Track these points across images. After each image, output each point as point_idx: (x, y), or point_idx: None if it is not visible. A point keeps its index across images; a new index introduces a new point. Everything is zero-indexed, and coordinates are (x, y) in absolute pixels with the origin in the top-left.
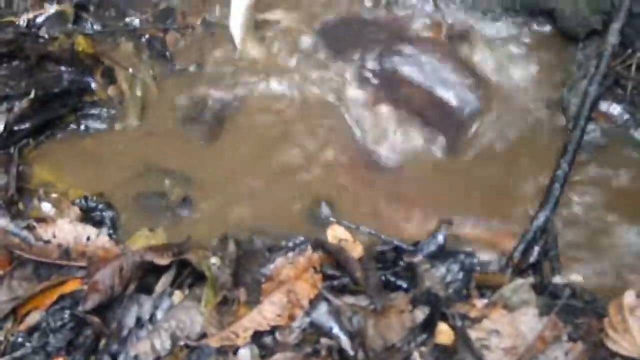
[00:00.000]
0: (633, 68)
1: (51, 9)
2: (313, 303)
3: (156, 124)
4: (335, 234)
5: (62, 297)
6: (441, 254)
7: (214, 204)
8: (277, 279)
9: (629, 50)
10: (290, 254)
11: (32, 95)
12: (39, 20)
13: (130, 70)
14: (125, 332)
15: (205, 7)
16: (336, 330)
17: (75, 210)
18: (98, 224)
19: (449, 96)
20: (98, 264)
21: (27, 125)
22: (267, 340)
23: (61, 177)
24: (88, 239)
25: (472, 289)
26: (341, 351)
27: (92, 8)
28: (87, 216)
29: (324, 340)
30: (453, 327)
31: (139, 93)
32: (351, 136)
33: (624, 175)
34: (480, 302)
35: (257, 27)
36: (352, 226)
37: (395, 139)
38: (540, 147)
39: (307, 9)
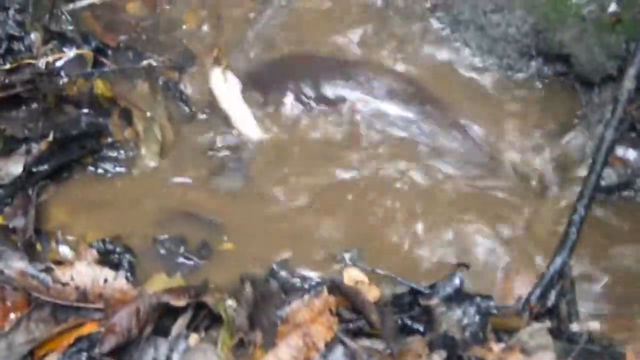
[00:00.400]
0: None
1: (70, 53)
2: (329, 346)
3: (173, 166)
4: (351, 276)
5: (79, 340)
6: (458, 297)
7: (233, 248)
8: (293, 322)
9: None
10: (306, 297)
11: (50, 137)
12: (59, 63)
13: (148, 112)
14: None
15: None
16: None
17: (93, 253)
18: (115, 266)
19: None
20: (115, 307)
21: (45, 167)
22: None
23: (79, 219)
24: (105, 281)
25: (488, 333)
26: None
27: (110, 52)
28: (105, 259)
29: None
30: None
31: (155, 135)
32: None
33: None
34: (497, 346)
35: None
36: (367, 268)
37: None
38: (555, 191)
39: None
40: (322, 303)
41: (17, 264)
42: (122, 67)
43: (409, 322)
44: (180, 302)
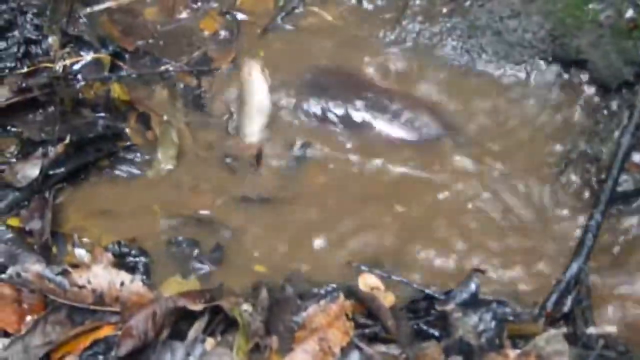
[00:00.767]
0: None
1: (88, 57)
2: (345, 351)
3: (190, 171)
4: (367, 282)
5: (95, 343)
6: (473, 303)
7: (247, 252)
8: (309, 327)
9: None
10: (322, 302)
11: (67, 140)
12: (76, 67)
13: (165, 117)
14: None
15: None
16: None
17: (108, 256)
18: (131, 269)
19: None
20: (132, 310)
21: (61, 170)
22: None
23: (95, 222)
24: (122, 284)
25: (504, 339)
26: None
27: (127, 56)
28: (120, 262)
29: None
30: None
31: (172, 139)
32: None
33: None
34: (513, 352)
35: None
36: (383, 274)
37: None
38: (572, 197)
39: None
40: (338, 308)
41: (34, 267)
42: (139, 72)
43: (424, 328)
44: (197, 306)
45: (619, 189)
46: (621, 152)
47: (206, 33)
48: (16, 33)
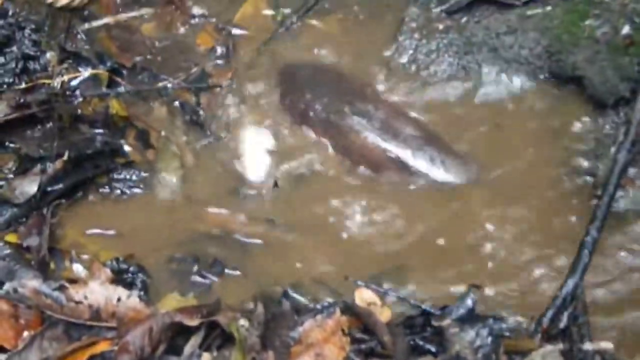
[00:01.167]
0: None
1: (86, 73)
2: None
3: (189, 187)
4: (363, 297)
5: (92, 358)
6: (470, 318)
7: (245, 267)
8: (305, 342)
9: None
10: (318, 317)
11: (65, 156)
12: (74, 83)
13: (163, 133)
14: None
15: (231, 70)
16: None
17: (107, 272)
18: (129, 285)
19: None
20: (128, 325)
21: (60, 186)
22: None
23: (92, 238)
24: (119, 300)
25: (501, 354)
26: None
27: (125, 72)
28: (118, 278)
29: None
30: None
31: (173, 153)
32: None
33: None
34: None
35: None
36: (380, 290)
37: None
38: (568, 214)
39: None
40: (334, 323)
41: (31, 283)
42: (137, 88)
43: (421, 343)
44: (193, 322)
45: (615, 205)
46: (617, 168)
47: (203, 49)
48: (14, 49)
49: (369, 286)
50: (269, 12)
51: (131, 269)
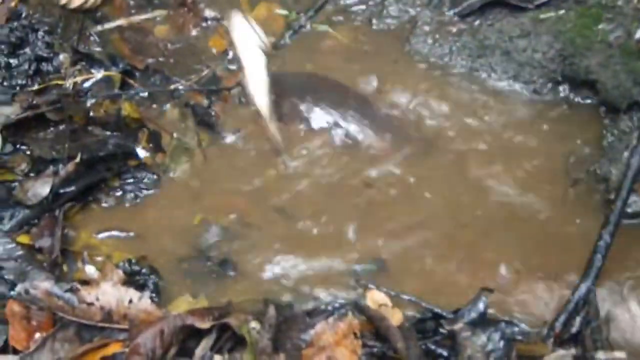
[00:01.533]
0: None
1: (98, 75)
2: None
3: (200, 190)
4: (375, 298)
5: None
6: (482, 322)
7: (256, 268)
8: (317, 345)
9: None
10: (330, 319)
11: (77, 159)
12: (86, 84)
13: (175, 135)
14: None
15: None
16: None
17: (119, 274)
18: (141, 287)
19: None
20: (140, 327)
21: (72, 188)
22: None
23: (105, 240)
24: (130, 302)
25: (513, 359)
26: None
27: (137, 74)
28: (130, 279)
29: None
30: None
31: (183, 158)
32: None
33: None
34: None
35: None
36: (391, 293)
37: None
38: (581, 218)
39: None
40: (346, 326)
41: (43, 284)
42: (149, 90)
43: (432, 347)
44: (205, 324)
45: (628, 210)
46: (630, 173)
47: (215, 51)
48: (27, 50)
49: (380, 288)
50: (282, 13)
51: (143, 270)
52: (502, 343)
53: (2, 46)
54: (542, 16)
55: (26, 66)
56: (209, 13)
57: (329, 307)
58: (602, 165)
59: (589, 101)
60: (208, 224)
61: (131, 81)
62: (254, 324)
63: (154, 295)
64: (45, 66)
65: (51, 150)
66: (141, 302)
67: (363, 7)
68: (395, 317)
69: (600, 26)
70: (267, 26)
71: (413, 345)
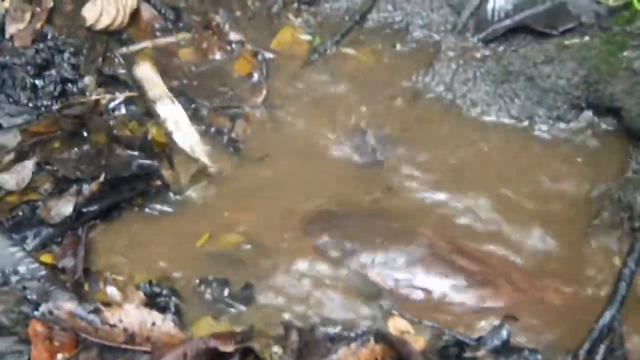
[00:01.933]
0: None
1: (121, 96)
2: None
3: (222, 210)
4: (397, 325)
5: None
6: (505, 350)
7: (277, 292)
8: None
9: None
10: (352, 345)
11: (101, 178)
12: (111, 105)
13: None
14: None
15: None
16: None
17: (140, 295)
18: (162, 309)
19: None
20: (162, 350)
21: (95, 207)
22: None
23: (127, 260)
24: (153, 324)
25: None
26: None
27: None
28: (152, 301)
29: None
30: None
31: (203, 182)
32: None
33: None
34: None
35: None
36: (414, 319)
37: None
38: (606, 245)
39: None
40: (368, 352)
41: (66, 305)
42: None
43: None
44: (228, 348)
45: None
46: None
47: (239, 74)
48: (53, 72)
49: (402, 315)
50: (306, 38)
51: (164, 292)
52: None
53: (28, 67)
54: (566, 42)
55: (51, 87)
56: (233, 36)
57: (352, 334)
58: (626, 193)
59: (613, 128)
60: (227, 249)
61: None
62: (276, 349)
63: (175, 317)
64: (70, 87)
65: (75, 170)
66: (164, 324)
67: (388, 31)
68: (417, 344)
69: (625, 53)
70: (292, 50)
71: None
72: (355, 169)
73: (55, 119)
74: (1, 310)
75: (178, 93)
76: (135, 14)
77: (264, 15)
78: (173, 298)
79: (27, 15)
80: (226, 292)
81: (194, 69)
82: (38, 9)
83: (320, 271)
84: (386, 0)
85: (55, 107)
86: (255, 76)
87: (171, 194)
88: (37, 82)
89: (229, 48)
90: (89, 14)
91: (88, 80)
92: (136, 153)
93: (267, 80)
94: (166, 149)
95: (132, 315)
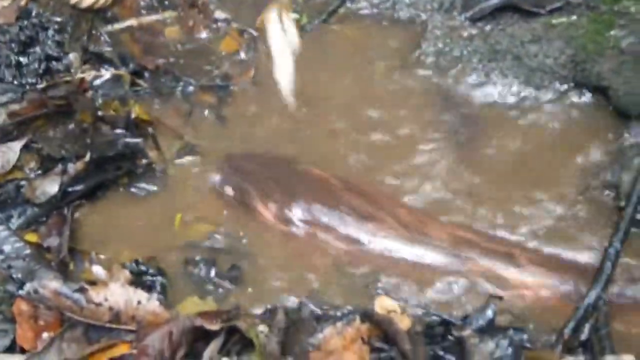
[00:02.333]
0: None
1: (107, 74)
2: None
3: (205, 188)
4: (383, 305)
5: None
6: (490, 329)
7: (263, 272)
8: (325, 349)
9: None
10: (338, 324)
11: (86, 157)
12: (96, 82)
13: (186, 137)
14: None
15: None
16: None
17: (126, 274)
18: (148, 288)
19: None
20: (148, 329)
21: (80, 187)
22: None
23: (113, 239)
24: (139, 303)
25: None
26: None
27: (147, 74)
28: (138, 280)
29: None
30: None
31: (192, 158)
32: None
33: None
34: None
35: None
36: (400, 298)
37: None
38: (591, 225)
39: None
40: (354, 331)
41: (51, 284)
42: (159, 90)
43: (441, 353)
44: (214, 326)
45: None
46: None
47: (225, 53)
48: (37, 49)
49: (388, 294)
50: (293, 16)
51: (150, 271)
52: (510, 350)
53: (12, 44)
54: (554, 21)
55: (36, 65)
56: (219, 15)
57: (338, 313)
58: (613, 172)
59: (599, 107)
60: (213, 227)
61: (140, 81)
62: (262, 328)
63: (161, 296)
64: (55, 65)
65: (60, 149)
66: (149, 303)
67: (375, 10)
68: (403, 323)
69: (613, 32)
70: None
71: (421, 350)
72: None
73: (42, 100)
74: None
75: (164, 71)
76: None
77: None
78: (159, 277)
79: None
80: (213, 272)
81: (180, 47)
82: None
83: None
84: None
85: (40, 85)
86: (242, 54)
87: (157, 173)
88: (21, 59)
89: (214, 26)
90: None
91: (73, 57)
92: (121, 132)
93: (253, 57)
94: (150, 127)
95: (117, 294)
